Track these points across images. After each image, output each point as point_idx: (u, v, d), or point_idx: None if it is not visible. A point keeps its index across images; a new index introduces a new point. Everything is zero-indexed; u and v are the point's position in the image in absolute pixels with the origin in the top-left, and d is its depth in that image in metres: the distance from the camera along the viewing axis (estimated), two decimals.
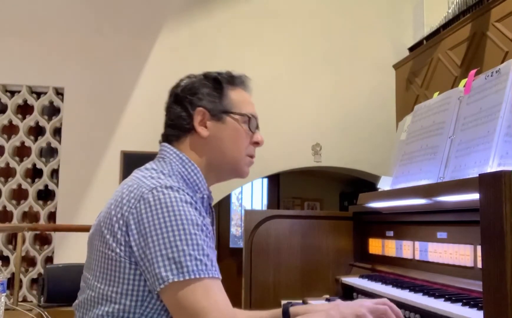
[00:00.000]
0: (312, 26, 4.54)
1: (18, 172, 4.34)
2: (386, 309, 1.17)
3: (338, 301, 1.27)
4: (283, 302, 1.33)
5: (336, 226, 2.32)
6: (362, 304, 1.18)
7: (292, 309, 1.30)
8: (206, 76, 1.30)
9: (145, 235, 1.04)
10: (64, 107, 4.37)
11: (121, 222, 1.08)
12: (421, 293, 1.58)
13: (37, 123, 4.44)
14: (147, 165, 1.21)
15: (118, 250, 1.07)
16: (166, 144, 1.26)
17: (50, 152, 4.51)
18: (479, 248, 1.48)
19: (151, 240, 1.03)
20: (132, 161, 4.14)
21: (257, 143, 1.31)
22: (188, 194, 1.10)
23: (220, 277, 1.08)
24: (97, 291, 1.10)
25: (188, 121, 1.24)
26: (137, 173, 1.18)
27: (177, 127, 1.26)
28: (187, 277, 1.01)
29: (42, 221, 4.31)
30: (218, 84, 1.28)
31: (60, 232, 4.14)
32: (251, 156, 1.31)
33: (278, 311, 1.33)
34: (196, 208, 1.09)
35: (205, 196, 1.23)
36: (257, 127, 1.32)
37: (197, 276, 1.02)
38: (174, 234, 1.03)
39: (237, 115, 1.26)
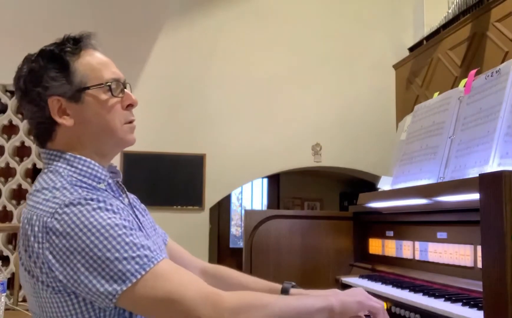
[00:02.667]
0: (312, 26, 4.54)
1: (18, 172, 4.34)
2: (379, 309, 1.15)
3: (337, 290, 1.25)
4: (285, 282, 1.32)
5: (336, 226, 2.32)
6: (361, 292, 1.16)
7: (293, 291, 1.28)
8: (44, 56, 1.11)
9: (70, 264, 0.95)
10: None
11: (40, 262, 0.97)
12: (421, 293, 1.58)
13: None
14: (37, 184, 1.06)
15: (51, 290, 0.98)
16: (44, 151, 1.11)
17: None
18: (479, 248, 1.48)
19: (81, 265, 0.94)
20: (132, 161, 4.15)
21: (130, 106, 1.15)
22: (91, 199, 0.98)
23: (165, 255, 1.01)
24: None
25: (46, 116, 1.08)
26: (31, 200, 1.04)
27: (40, 125, 1.11)
28: (134, 280, 0.94)
29: None
30: (61, 61, 1.09)
31: None
32: (130, 122, 1.15)
33: (276, 286, 1.31)
34: (107, 209, 0.98)
35: (109, 181, 1.12)
36: (123, 88, 1.14)
37: (143, 272, 0.94)
38: (99, 248, 0.94)
39: (94, 88, 1.09)
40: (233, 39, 4.47)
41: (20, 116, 4.42)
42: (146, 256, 0.96)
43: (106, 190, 1.09)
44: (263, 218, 2.26)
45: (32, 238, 0.98)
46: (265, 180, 6.78)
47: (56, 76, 1.08)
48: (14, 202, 4.40)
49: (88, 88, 1.09)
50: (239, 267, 2.00)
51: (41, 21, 4.31)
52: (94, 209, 0.97)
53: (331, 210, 6.27)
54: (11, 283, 3.35)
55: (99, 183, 1.09)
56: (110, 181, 1.13)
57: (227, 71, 4.42)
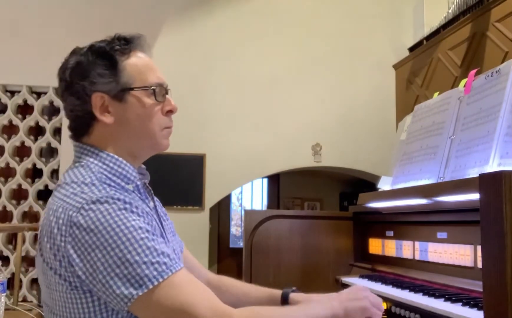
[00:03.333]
0: (312, 26, 4.54)
1: (18, 172, 4.34)
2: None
3: (341, 292, 1.25)
4: (285, 288, 1.32)
5: (336, 226, 2.32)
6: (365, 295, 1.17)
7: (292, 296, 1.29)
8: (94, 51, 1.11)
9: (91, 260, 0.95)
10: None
11: (60, 255, 0.97)
12: (421, 293, 1.58)
13: (37, 123, 4.44)
14: (66, 176, 1.06)
15: (68, 285, 0.98)
16: (78, 144, 1.12)
17: (50, 152, 4.51)
18: (479, 248, 1.48)
19: (100, 263, 0.94)
20: None
21: (170, 112, 1.16)
22: (118, 199, 0.98)
23: (182, 265, 1.02)
24: None
25: (87, 110, 1.09)
26: (58, 192, 1.04)
27: (79, 118, 1.11)
28: (150, 286, 0.94)
29: None
30: (110, 59, 1.10)
31: None
32: (168, 127, 1.16)
33: (277, 293, 1.31)
34: (132, 211, 0.98)
35: (138, 183, 1.13)
36: (165, 94, 1.16)
37: (160, 279, 0.94)
38: (121, 249, 0.94)
39: (139, 90, 1.11)
40: (233, 39, 4.47)
41: (20, 116, 4.42)
42: (165, 263, 0.96)
43: (133, 192, 1.10)
44: (263, 218, 2.26)
45: (55, 230, 0.98)
46: (265, 180, 6.77)
47: (104, 73, 1.09)
48: (14, 202, 4.40)
49: (133, 89, 1.10)
50: (239, 267, 2.00)
51: (39, 22, 4.31)
52: (119, 209, 0.97)
53: (331, 210, 6.27)
54: (11, 283, 3.35)
55: (128, 183, 1.09)
56: (138, 183, 1.13)
57: (227, 71, 4.42)
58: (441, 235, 1.71)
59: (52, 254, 0.98)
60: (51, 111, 4.51)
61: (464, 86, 1.72)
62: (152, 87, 1.12)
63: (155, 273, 0.94)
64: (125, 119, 1.10)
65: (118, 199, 0.98)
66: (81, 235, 0.95)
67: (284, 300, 1.29)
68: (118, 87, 1.09)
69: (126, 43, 1.13)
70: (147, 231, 0.98)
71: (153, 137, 1.13)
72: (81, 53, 1.12)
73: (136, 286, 0.93)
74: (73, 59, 1.11)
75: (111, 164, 1.08)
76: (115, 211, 0.97)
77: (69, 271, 0.97)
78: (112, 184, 1.05)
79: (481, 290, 1.06)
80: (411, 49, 3.64)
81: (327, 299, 1.17)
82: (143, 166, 1.21)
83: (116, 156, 1.10)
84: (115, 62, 1.10)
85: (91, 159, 1.08)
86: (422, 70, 3.31)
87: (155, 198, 1.25)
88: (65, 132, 4.39)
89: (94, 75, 1.08)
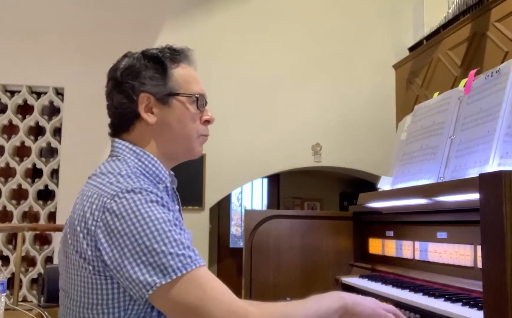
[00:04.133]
0: (312, 26, 4.54)
1: (18, 172, 4.34)
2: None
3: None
4: (280, 300, 1.33)
5: (336, 226, 2.32)
6: (379, 305, 1.20)
7: None
8: (146, 56, 1.20)
9: (118, 246, 0.99)
10: (64, 107, 4.38)
11: (88, 238, 1.01)
12: (421, 293, 1.58)
13: (37, 123, 4.44)
14: (102, 167, 1.13)
15: (91, 269, 1.02)
16: (117, 140, 1.18)
17: (50, 152, 4.51)
18: (479, 248, 1.48)
19: (127, 249, 0.98)
20: None
21: (207, 121, 1.25)
22: (151, 192, 1.04)
23: (205, 263, 1.05)
24: (79, 315, 1.06)
25: (132, 109, 1.16)
26: (94, 180, 1.10)
27: (122, 116, 1.18)
28: (174, 277, 0.97)
29: (42, 221, 4.31)
30: (161, 64, 1.19)
31: (60, 232, 4.14)
32: (204, 135, 1.25)
33: None
34: (163, 205, 1.04)
35: (168, 184, 1.19)
36: (205, 105, 1.25)
37: (184, 271, 0.98)
38: (149, 238, 0.98)
39: (184, 96, 1.19)
40: (233, 39, 4.47)
41: (20, 116, 4.42)
42: (190, 257, 1.00)
43: (162, 192, 1.14)
44: (263, 218, 2.26)
45: (88, 214, 1.03)
46: (265, 180, 6.78)
47: (154, 76, 1.18)
48: (14, 202, 4.40)
49: (178, 94, 1.19)
50: (239, 267, 2.00)
51: (41, 21, 4.31)
52: (151, 201, 1.02)
53: (331, 210, 6.27)
54: (11, 283, 3.35)
55: (159, 183, 1.16)
56: (168, 184, 1.19)
57: (227, 71, 4.42)
58: (441, 235, 1.71)
59: (81, 236, 1.02)
60: (51, 111, 4.51)
61: (464, 86, 1.72)
62: (195, 96, 1.20)
63: (179, 264, 0.98)
64: (166, 121, 1.18)
65: (151, 192, 1.04)
66: (112, 221, 1.00)
67: None
68: (165, 91, 1.17)
69: (176, 54, 1.23)
70: (175, 225, 1.03)
71: (189, 141, 1.21)
72: (134, 57, 1.20)
73: (159, 275, 0.97)
74: (125, 61, 1.20)
75: (146, 162, 1.15)
76: (147, 202, 1.02)
77: (95, 255, 1.01)
78: (145, 179, 1.10)
79: (481, 290, 1.06)
80: (411, 49, 3.64)
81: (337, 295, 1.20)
82: (172, 172, 1.26)
83: (151, 155, 1.16)
84: (166, 68, 1.19)
85: (128, 155, 1.15)
86: (422, 70, 3.31)
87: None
88: (65, 132, 4.41)
89: (145, 76, 1.17)
